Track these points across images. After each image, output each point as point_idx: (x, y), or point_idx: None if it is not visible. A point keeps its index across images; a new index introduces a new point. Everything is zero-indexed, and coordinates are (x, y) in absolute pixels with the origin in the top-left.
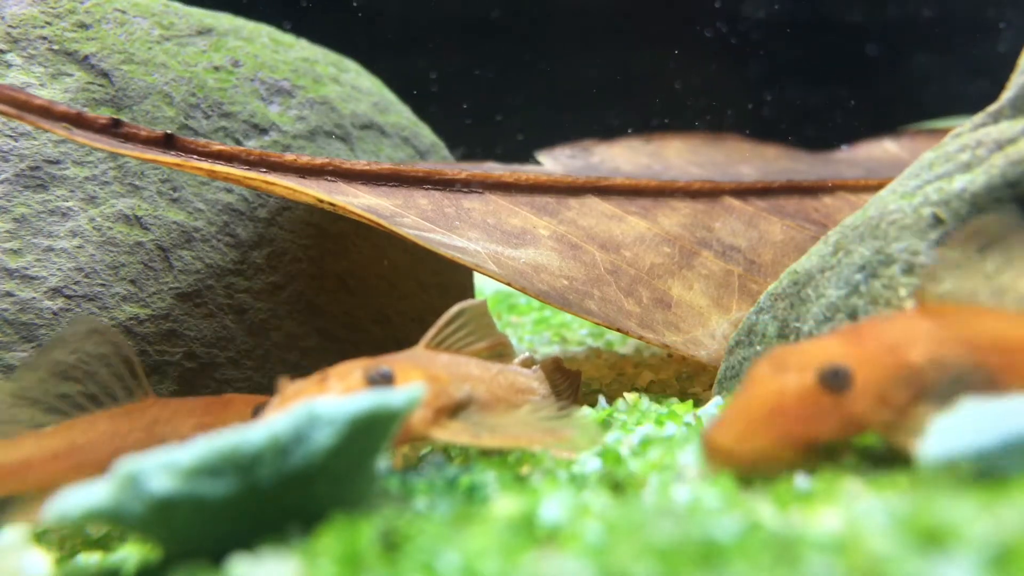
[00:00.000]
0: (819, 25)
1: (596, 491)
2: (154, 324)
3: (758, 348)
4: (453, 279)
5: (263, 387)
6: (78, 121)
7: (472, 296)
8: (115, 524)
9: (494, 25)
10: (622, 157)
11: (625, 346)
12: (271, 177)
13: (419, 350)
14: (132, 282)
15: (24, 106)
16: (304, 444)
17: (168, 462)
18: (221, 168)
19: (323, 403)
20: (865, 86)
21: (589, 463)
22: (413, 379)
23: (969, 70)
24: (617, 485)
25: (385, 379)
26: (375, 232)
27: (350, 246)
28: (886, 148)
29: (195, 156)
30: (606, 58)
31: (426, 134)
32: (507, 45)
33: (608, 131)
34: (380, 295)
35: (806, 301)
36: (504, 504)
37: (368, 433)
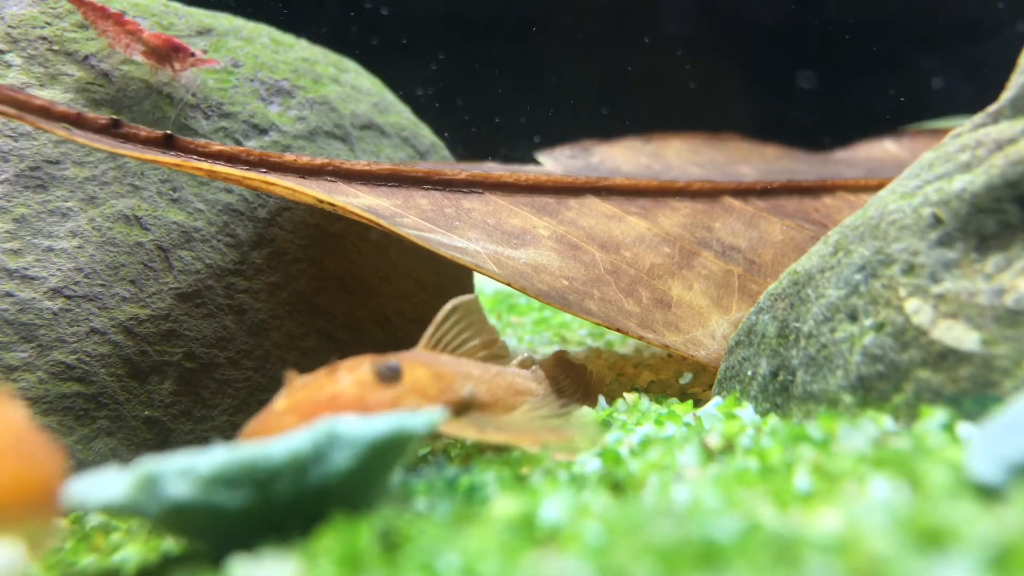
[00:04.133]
0: (819, 25)
1: (596, 491)
2: (154, 324)
3: (758, 348)
4: (453, 279)
5: (263, 387)
6: (78, 121)
7: None
8: (130, 517)
9: (494, 25)
10: (622, 157)
11: (625, 346)
12: (271, 177)
13: (419, 350)
14: (132, 282)
15: (24, 106)
16: (323, 463)
17: (187, 468)
18: (221, 168)
19: (345, 424)
20: (865, 86)
21: (589, 463)
22: (419, 375)
23: (969, 70)
24: (617, 485)
25: (393, 373)
26: (375, 232)
27: (350, 246)
28: (886, 148)
29: (195, 156)
30: (606, 58)
31: (426, 134)
32: (507, 45)
33: (608, 131)
34: (380, 295)
35: (806, 301)
36: (504, 504)
37: (386, 453)
